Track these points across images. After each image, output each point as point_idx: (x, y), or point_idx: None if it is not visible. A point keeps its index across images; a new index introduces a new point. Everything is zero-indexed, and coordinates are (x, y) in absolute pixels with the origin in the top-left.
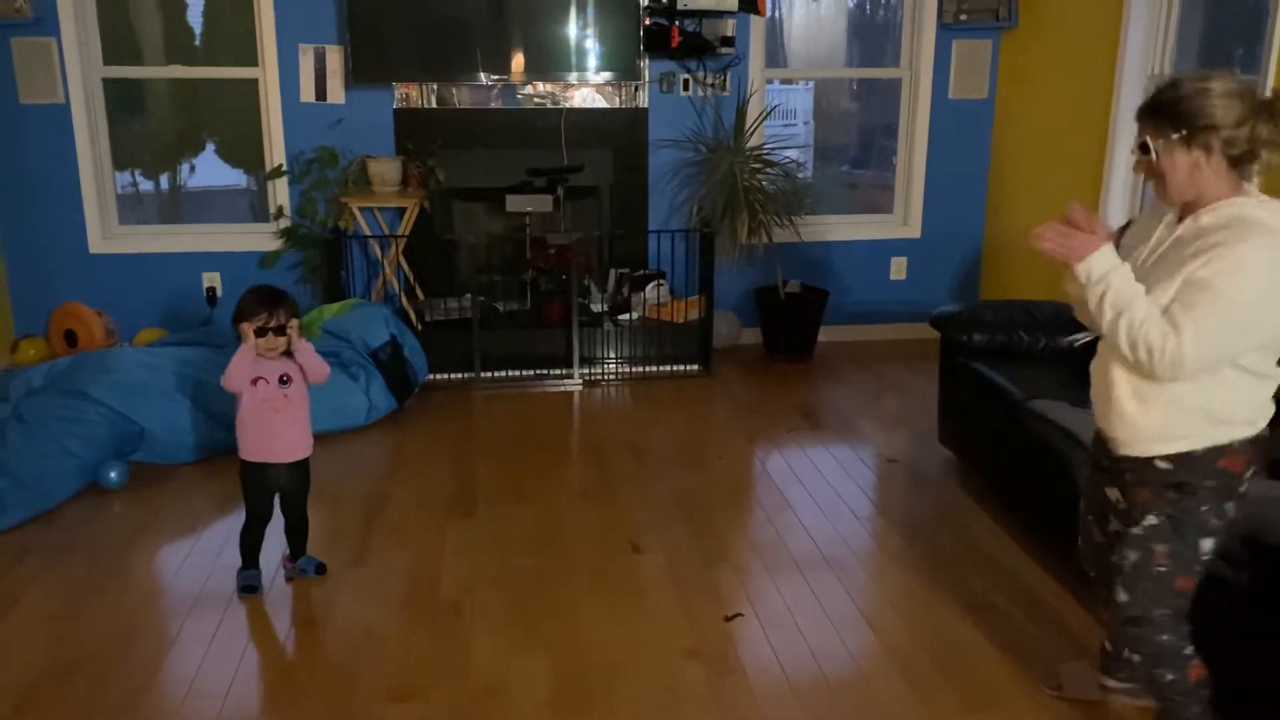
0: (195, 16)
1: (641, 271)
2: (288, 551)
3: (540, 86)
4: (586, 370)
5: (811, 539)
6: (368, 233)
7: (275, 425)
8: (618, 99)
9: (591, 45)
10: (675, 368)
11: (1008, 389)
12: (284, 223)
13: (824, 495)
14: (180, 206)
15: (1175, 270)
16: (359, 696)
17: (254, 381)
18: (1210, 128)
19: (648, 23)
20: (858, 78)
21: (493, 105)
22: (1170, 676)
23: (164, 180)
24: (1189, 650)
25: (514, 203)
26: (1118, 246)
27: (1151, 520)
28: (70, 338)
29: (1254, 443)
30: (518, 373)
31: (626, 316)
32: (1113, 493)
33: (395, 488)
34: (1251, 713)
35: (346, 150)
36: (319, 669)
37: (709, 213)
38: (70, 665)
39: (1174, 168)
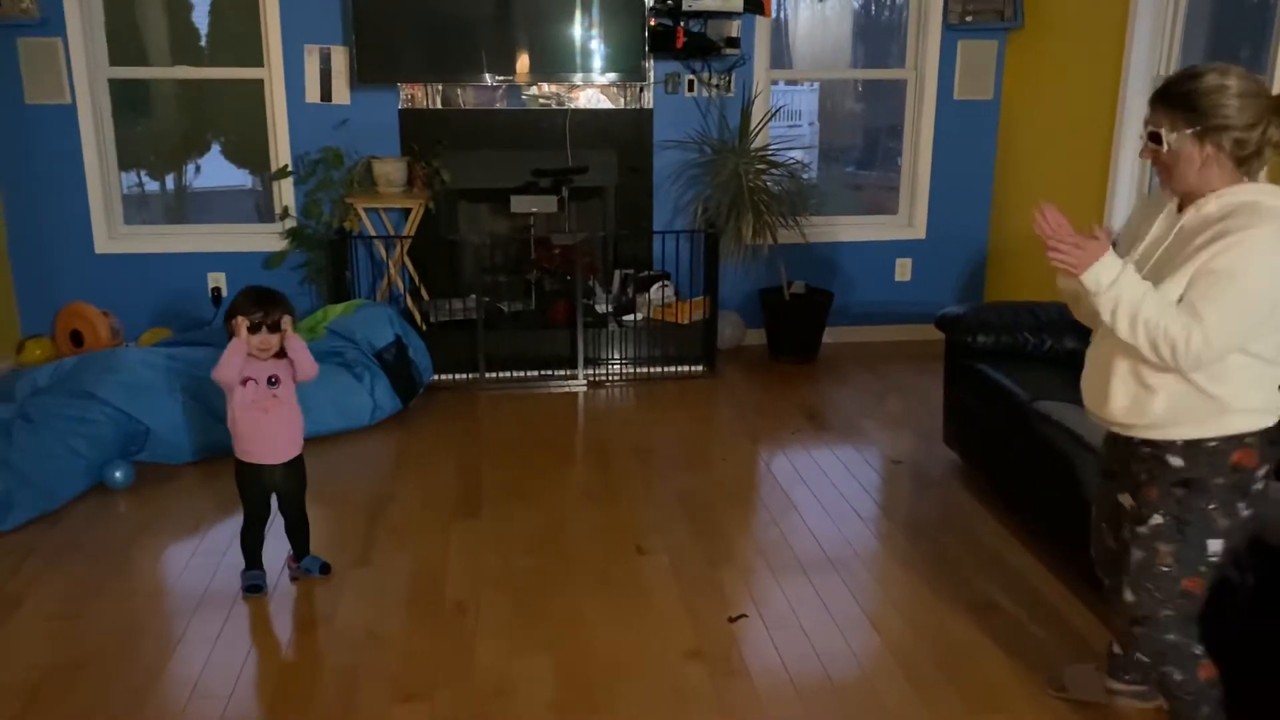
0: (201, 17)
1: (646, 272)
2: (292, 552)
3: (545, 87)
4: (591, 371)
5: (816, 540)
6: (373, 233)
7: (264, 426)
8: (623, 100)
9: (596, 46)
10: (680, 369)
11: (1013, 390)
12: (289, 223)
13: (828, 496)
14: (185, 207)
15: (1184, 263)
16: (363, 696)
17: (243, 382)
18: (1224, 127)
19: (653, 23)
20: (863, 79)
21: (498, 106)
22: (1179, 676)
23: (169, 180)
24: (1198, 650)
25: (519, 203)
26: (1114, 245)
27: (1156, 520)
28: (76, 338)
29: (1267, 436)
30: (522, 373)
31: (631, 317)
32: (1125, 499)
33: (400, 488)
34: (1257, 714)
35: (351, 151)
36: (323, 669)
37: (714, 214)
38: (74, 665)
39: (1183, 161)
